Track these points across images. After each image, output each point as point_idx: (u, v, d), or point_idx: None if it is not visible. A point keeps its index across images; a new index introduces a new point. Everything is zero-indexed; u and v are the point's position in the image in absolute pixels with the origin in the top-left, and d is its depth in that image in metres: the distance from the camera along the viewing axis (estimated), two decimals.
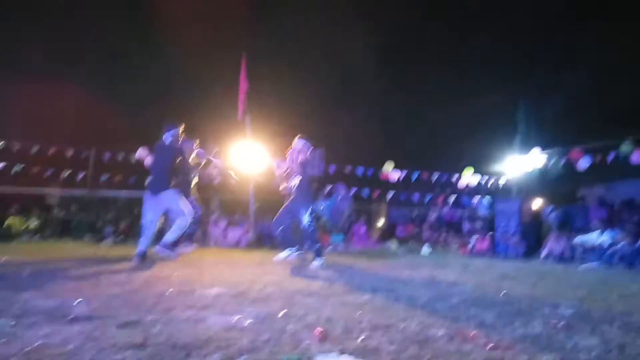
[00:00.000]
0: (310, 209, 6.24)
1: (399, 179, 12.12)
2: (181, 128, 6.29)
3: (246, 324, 2.39)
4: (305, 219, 6.19)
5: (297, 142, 6.44)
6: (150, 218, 5.91)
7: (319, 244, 6.25)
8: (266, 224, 10.66)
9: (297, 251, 6.43)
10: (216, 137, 8.20)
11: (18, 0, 12.69)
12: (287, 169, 6.47)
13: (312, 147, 6.49)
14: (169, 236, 6.01)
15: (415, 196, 12.84)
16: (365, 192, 12.09)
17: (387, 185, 12.40)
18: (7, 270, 4.26)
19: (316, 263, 5.94)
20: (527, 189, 12.21)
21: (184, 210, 6.00)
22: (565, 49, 15.36)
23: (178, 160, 6.14)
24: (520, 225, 9.86)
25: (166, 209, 6.06)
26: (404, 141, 17.13)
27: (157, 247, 5.98)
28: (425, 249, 9.90)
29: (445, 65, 17.17)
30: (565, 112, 14.72)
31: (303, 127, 7.85)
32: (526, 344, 2.17)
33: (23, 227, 10.62)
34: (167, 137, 6.14)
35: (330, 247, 9.94)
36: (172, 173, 6.08)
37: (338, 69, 16.23)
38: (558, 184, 13.75)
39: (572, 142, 10.62)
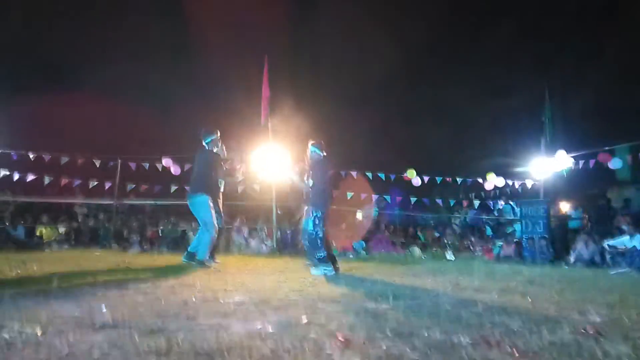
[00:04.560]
0: (317, 215, 5.96)
1: (422, 182, 12.00)
2: (218, 134, 6.62)
3: (269, 332, 2.40)
4: (310, 225, 5.95)
5: (310, 148, 6.33)
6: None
7: (322, 253, 5.83)
8: (289, 231, 10.69)
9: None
10: (239, 144, 8.27)
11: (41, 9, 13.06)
12: (303, 175, 6.43)
13: (323, 153, 6.30)
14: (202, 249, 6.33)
15: (439, 201, 12.69)
16: (388, 197, 12.02)
17: (409, 189, 12.29)
18: (36, 278, 4.36)
19: (316, 272, 5.63)
20: (554, 191, 11.92)
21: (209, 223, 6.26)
22: (591, 44, 14.99)
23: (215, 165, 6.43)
24: (547, 229, 9.63)
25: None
26: (426, 144, 16.99)
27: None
28: (450, 254, 9.76)
29: (468, 66, 17.01)
30: (592, 111, 14.40)
31: (325, 132, 7.85)
32: (554, 352, 2.12)
33: (53, 237, 10.89)
34: (206, 144, 6.50)
35: (353, 253, 9.89)
36: (207, 178, 6.30)
37: (360, 71, 16.24)
38: (586, 186, 13.41)
39: (601, 143, 10.35)
